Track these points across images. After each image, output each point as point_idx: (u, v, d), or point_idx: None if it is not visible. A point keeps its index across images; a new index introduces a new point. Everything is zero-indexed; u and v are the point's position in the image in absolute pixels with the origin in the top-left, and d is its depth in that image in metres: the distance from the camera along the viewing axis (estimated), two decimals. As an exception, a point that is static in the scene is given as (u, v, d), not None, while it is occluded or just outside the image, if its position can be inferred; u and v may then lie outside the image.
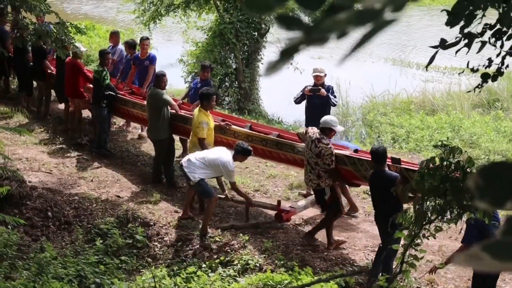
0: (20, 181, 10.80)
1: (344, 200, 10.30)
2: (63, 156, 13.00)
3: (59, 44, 11.23)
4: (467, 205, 5.75)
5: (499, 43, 5.44)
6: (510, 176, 1.16)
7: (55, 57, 15.18)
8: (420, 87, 20.55)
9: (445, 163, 5.81)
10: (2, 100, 15.46)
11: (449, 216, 6.03)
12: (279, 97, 19.58)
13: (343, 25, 1.16)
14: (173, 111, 11.76)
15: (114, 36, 15.07)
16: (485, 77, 5.70)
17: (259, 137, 10.99)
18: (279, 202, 10.42)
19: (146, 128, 12.62)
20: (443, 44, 4.93)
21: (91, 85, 13.18)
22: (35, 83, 15.40)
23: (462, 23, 4.72)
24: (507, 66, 6.01)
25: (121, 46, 14.74)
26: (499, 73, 5.78)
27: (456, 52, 5.23)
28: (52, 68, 14.76)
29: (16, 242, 9.46)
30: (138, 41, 14.53)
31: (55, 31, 11.12)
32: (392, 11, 1.16)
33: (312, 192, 11.22)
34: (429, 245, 8.84)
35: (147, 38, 14.48)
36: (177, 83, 19.12)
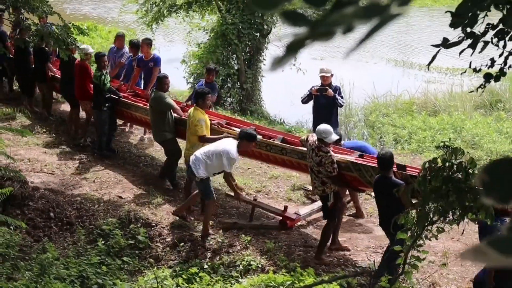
0: (22, 182, 10.80)
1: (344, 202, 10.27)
2: (65, 157, 13.00)
3: (62, 45, 11.19)
4: (470, 206, 5.74)
5: (501, 43, 5.43)
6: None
7: (58, 58, 15.20)
8: (422, 88, 20.54)
9: (447, 164, 5.80)
10: (5, 101, 15.45)
11: (451, 217, 6.02)
12: (281, 98, 19.61)
13: (350, 20, 1.15)
14: (177, 115, 11.54)
15: (121, 38, 14.92)
16: (487, 77, 5.70)
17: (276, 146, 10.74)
18: (285, 207, 10.41)
19: (151, 132, 12.40)
20: (445, 43, 4.92)
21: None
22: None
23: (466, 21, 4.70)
24: (510, 66, 5.99)
25: (127, 49, 14.68)
26: (501, 73, 5.77)
27: (460, 52, 5.22)
28: (54, 70, 14.73)
29: (18, 242, 9.46)
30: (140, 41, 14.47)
31: (57, 32, 11.10)
32: (399, 5, 1.16)
33: (316, 197, 11.27)
34: (432, 246, 8.83)
35: (149, 40, 14.30)
36: (179, 84, 19.13)
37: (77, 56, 13.42)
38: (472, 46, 5.02)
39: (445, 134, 15.59)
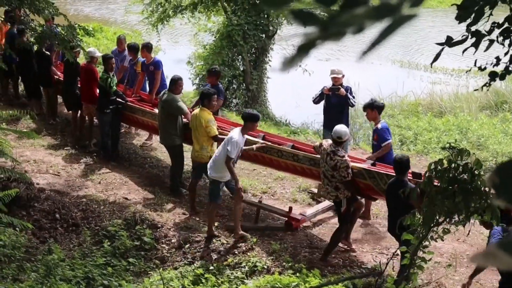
0: (28, 183, 10.82)
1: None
2: (70, 158, 13.00)
3: (67, 46, 11.18)
4: (475, 207, 5.73)
5: (507, 41, 5.42)
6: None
7: (62, 61, 15.17)
8: (428, 89, 20.53)
9: (453, 165, 5.79)
10: (11, 104, 15.44)
11: (457, 218, 6.01)
12: (286, 99, 19.61)
13: (361, 20, 1.15)
14: (186, 120, 11.33)
15: (124, 41, 14.91)
16: (493, 75, 5.68)
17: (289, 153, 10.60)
18: (290, 208, 10.40)
19: (159, 135, 12.11)
20: (449, 42, 4.91)
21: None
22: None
23: (469, 20, 4.70)
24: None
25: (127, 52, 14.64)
26: (507, 71, 5.76)
27: (463, 51, 5.22)
28: (59, 74, 14.69)
29: (24, 244, 9.47)
30: (140, 45, 14.33)
31: (63, 33, 11.10)
32: (410, 6, 1.15)
33: (322, 198, 11.25)
34: (437, 247, 8.82)
35: (147, 45, 13.94)
36: (184, 86, 19.11)
37: (82, 59, 13.37)
38: (475, 44, 5.01)
39: (450, 135, 15.57)
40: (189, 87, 18.97)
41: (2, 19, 15.40)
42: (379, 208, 11.02)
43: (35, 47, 14.05)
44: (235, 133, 9.69)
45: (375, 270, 8.84)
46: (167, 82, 12.99)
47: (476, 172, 5.71)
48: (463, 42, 4.95)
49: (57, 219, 10.53)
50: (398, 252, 7.35)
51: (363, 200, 9.93)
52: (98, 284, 8.76)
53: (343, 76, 12.12)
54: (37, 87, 15.08)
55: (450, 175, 5.78)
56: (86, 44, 13.55)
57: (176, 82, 11.56)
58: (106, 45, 23.70)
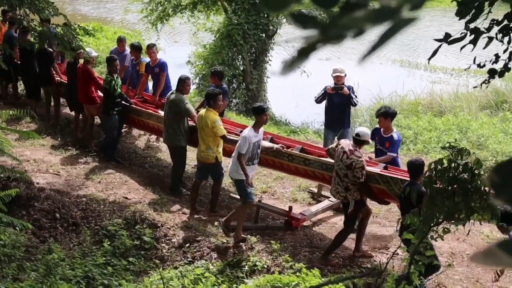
0: (28, 182, 10.81)
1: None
2: (70, 158, 13.00)
3: (67, 46, 11.15)
4: (475, 206, 5.72)
5: (506, 39, 5.42)
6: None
7: (62, 62, 15.14)
8: (428, 88, 20.54)
9: (453, 165, 5.79)
10: (11, 105, 15.42)
11: (457, 218, 6.01)
12: (286, 99, 19.62)
13: (361, 23, 1.15)
14: (193, 123, 11.31)
15: (124, 41, 14.91)
16: (492, 73, 5.67)
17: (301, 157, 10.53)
18: (290, 208, 10.40)
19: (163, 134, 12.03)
20: (447, 38, 4.91)
21: (101, 94, 12.99)
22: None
23: (468, 17, 4.70)
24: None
25: (128, 51, 14.62)
26: (506, 69, 5.75)
27: (462, 48, 5.21)
28: (60, 74, 14.66)
29: (24, 243, 9.46)
30: (143, 45, 14.31)
31: (62, 33, 11.08)
32: (410, 9, 1.15)
33: (322, 198, 11.25)
34: (437, 246, 8.82)
35: (154, 45, 14.00)
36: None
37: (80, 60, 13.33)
38: (473, 41, 5.01)
39: (450, 135, 15.57)
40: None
41: (1, 19, 15.39)
42: (379, 208, 11.02)
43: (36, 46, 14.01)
44: (246, 129, 9.77)
45: (375, 269, 8.84)
46: (171, 84, 12.98)
47: (476, 171, 5.70)
48: (461, 39, 4.95)
49: (57, 219, 10.53)
50: (398, 251, 7.35)
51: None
52: (98, 284, 8.76)
53: (345, 75, 12.10)
54: (36, 87, 15.05)
55: (450, 175, 5.78)
56: (86, 44, 13.49)
57: (184, 82, 11.53)
58: (106, 44, 23.71)
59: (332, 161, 9.58)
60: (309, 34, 1.20)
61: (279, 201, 11.49)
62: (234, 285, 8.70)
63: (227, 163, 10.66)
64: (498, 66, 5.73)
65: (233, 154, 9.83)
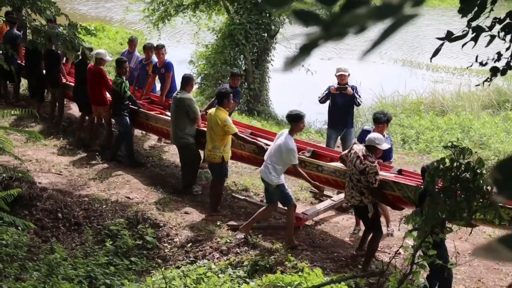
0: (30, 182, 10.81)
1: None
2: (73, 157, 13.01)
3: (70, 46, 11.14)
4: (478, 206, 5.72)
5: (508, 37, 5.41)
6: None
7: (66, 62, 15.13)
8: (430, 88, 20.54)
9: (455, 164, 5.78)
10: (12, 105, 15.41)
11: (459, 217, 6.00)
12: (288, 98, 19.61)
13: (363, 20, 1.15)
14: (197, 126, 11.32)
15: (135, 42, 14.91)
16: (494, 71, 5.66)
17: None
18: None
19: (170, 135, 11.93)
20: (449, 37, 4.91)
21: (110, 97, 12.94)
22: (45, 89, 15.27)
23: (471, 14, 4.69)
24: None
25: (137, 53, 14.59)
26: (508, 67, 5.74)
27: (463, 45, 5.21)
28: (65, 75, 14.63)
29: (26, 243, 9.46)
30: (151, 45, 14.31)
31: (65, 33, 11.07)
32: (412, 6, 1.15)
33: (324, 197, 11.23)
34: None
35: (163, 46, 13.87)
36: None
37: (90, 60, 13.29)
38: (475, 38, 5.00)
39: (452, 134, 15.57)
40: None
41: (3, 20, 15.40)
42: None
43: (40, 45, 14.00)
44: (287, 140, 9.50)
45: (378, 269, 8.84)
46: (177, 85, 12.97)
47: (478, 171, 5.70)
48: (463, 37, 4.95)
49: (59, 218, 10.53)
50: (400, 251, 7.34)
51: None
52: (100, 283, 8.76)
53: (349, 74, 12.08)
54: (40, 87, 15.03)
55: (452, 174, 5.77)
56: (88, 44, 13.46)
57: (189, 81, 11.52)
58: (108, 44, 23.71)
59: (345, 167, 9.54)
60: (311, 31, 1.20)
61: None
62: (236, 285, 8.69)
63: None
64: (500, 64, 5.73)
65: (271, 158, 9.64)
